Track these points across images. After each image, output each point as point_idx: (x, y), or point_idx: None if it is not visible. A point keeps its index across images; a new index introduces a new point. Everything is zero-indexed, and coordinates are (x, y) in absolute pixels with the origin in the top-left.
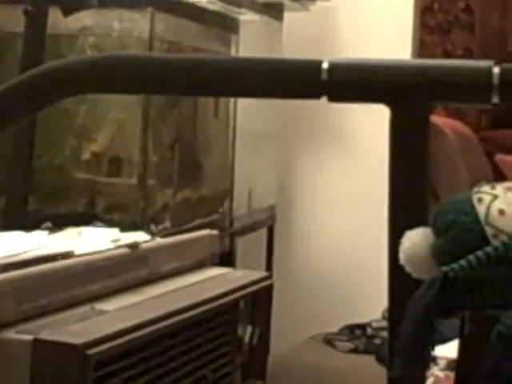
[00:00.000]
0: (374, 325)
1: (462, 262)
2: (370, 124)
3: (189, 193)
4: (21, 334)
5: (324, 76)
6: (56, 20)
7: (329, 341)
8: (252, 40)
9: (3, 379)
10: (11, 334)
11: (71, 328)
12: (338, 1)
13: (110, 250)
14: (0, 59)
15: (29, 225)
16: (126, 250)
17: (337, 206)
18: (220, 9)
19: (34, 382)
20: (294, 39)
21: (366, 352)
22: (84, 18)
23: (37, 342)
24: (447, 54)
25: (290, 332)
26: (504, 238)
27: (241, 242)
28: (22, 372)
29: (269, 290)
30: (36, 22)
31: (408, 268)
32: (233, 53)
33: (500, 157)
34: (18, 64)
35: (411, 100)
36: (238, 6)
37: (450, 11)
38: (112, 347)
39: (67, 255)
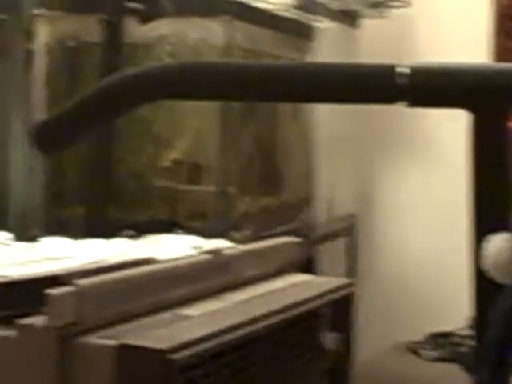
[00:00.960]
0: (459, 333)
1: None
2: (451, 129)
3: (269, 200)
4: (104, 340)
5: (401, 80)
6: (133, 29)
7: (413, 349)
8: (328, 47)
9: (88, 381)
10: (94, 340)
11: (155, 333)
12: (414, 8)
13: (191, 256)
14: (78, 68)
15: (109, 233)
16: (207, 256)
17: (418, 213)
18: (296, 16)
19: None
20: (371, 46)
21: (451, 360)
22: (161, 27)
23: (121, 347)
24: None
25: (373, 340)
26: None
27: (322, 250)
28: (106, 377)
29: (350, 297)
30: (113, 31)
31: (492, 273)
32: (309, 60)
33: None
34: (96, 73)
35: (493, 105)
36: (314, 13)
37: None
38: (196, 352)
39: (149, 261)
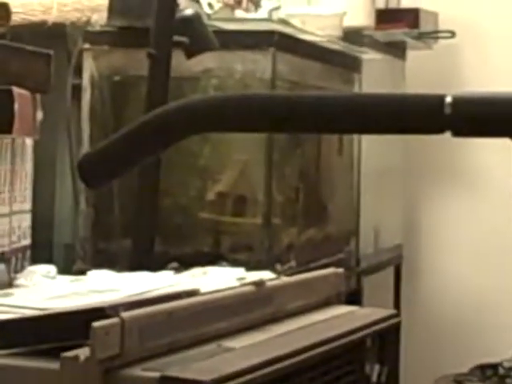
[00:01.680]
0: (506, 364)
1: None
2: (500, 159)
3: (314, 232)
4: (147, 372)
5: (447, 110)
6: (179, 62)
7: (460, 382)
8: (375, 79)
9: None
10: (138, 372)
11: (198, 365)
12: (460, 39)
13: (235, 287)
14: (124, 102)
15: (155, 266)
16: (251, 288)
17: (464, 244)
18: (342, 48)
19: None
20: (417, 78)
21: None
22: (206, 60)
23: (164, 379)
24: None
25: (419, 372)
26: None
27: (367, 281)
28: None
29: (396, 328)
30: (160, 64)
31: None
32: (355, 88)
33: None
34: (143, 107)
35: None
36: (360, 45)
37: None
38: (241, 383)
39: (193, 293)
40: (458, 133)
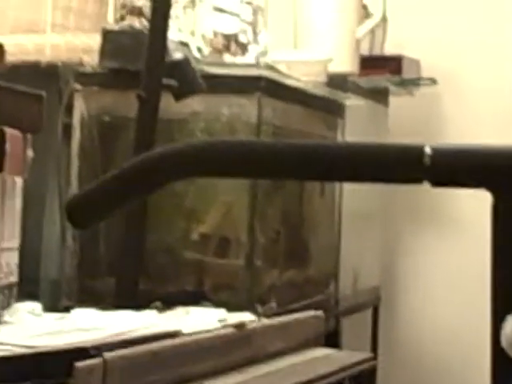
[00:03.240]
0: None
1: None
2: (474, 207)
3: (295, 274)
4: None
5: (427, 161)
6: (168, 105)
7: None
8: (358, 124)
9: None
10: None
11: None
12: (441, 86)
13: (216, 329)
14: (113, 142)
15: (139, 304)
16: (232, 330)
17: (441, 286)
18: (326, 93)
19: None
20: (400, 123)
21: None
22: (194, 104)
23: None
24: None
25: None
26: None
27: (346, 322)
28: None
29: (373, 371)
30: (148, 106)
31: (510, 352)
32: (339, 137)
33: None
34: (131, 147)
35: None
36: (343, 90)
37: None
38: None
39: (175, 334)
40: (437, 184)
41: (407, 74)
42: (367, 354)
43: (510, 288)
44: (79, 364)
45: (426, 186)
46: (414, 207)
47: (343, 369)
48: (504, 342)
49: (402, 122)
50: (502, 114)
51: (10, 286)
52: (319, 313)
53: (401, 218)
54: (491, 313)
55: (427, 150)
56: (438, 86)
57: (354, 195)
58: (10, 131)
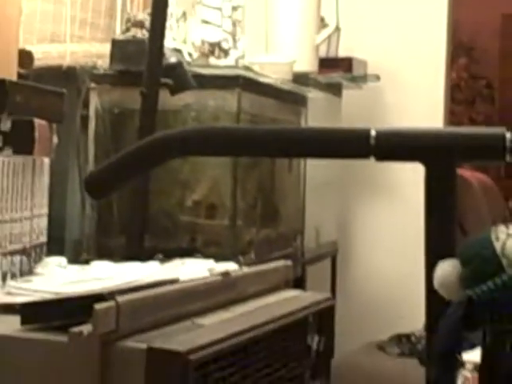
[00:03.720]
0: (417, 334)
1: (483, 287)
2: (411, 176)
3: (269, 231)
4: (137, 344)
5: (372, 141)
6: (165, 99)
7: (381, 347)
8: (317, 112)
9: (124, 379)
10: (129, 344)
11: (176, 338)
12: (384, 81)
13: (206, 276)
14: (122, 129)
15: (145, 257)
16: (219, 277)
17: (385, 241)
18: (292, 88)
19: (149, 381)
20: (351, 111)
21: (411, 355)
22: (186, 97)
23: (149, 350)
24: (472, 121)
25: (349, 340)
26: None
27: (310, 270)
28: (138, 375)
29: (331, 308)
30: (149, 100)
31: (440, 291)
32: (302, 122)
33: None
34: (136, 132)
35: (441, 160)
36: (306, 85)
37: (474, 87)
38: (208, 353)
39: (173, 281)
40: (380, 159)
41: (356, 71)
42: (327, 295)
43: (440, 241)
44: (97, 306)
45: (372, 160)
46: (364, 177)
47: (307, 307)
48: (436, 284)
49: (353, 111)
50: (431, 103)
51: (40, 245)
52: (288, 262)
53: (354, 187)
54: (425, 261)
55: (372, 132)
56: (381, 82)
57: (315, 169)
58: (38, 121)
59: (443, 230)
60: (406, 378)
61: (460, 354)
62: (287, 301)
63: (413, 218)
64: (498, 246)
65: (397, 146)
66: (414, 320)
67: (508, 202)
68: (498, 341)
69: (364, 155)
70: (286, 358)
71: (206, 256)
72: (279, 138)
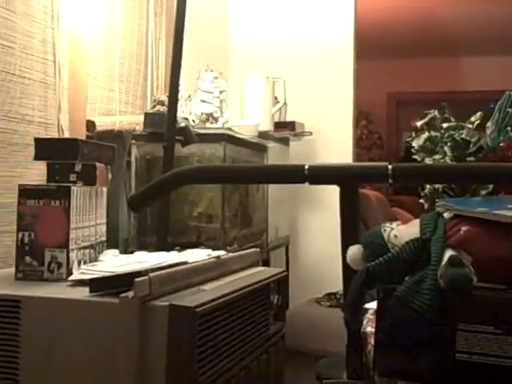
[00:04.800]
0: (340, 292)
1: (377, 261)
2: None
3: (246, 231)
4: (163, 302)
5: (306, 172)
6: (178, 150)
7: (317, 301)
8: (274, 156)
9: (155, 326)
10: (158, 303)
11: (187, 298)
12: (315, 135)
13: (206, 259)
14: (152, 169)
15: (168, 249)
16: (214, 260)
17: (320, 234)
18: (258, 141)
19: (170, 326)
20: (295, 155)
21: (337, 306)
22: (192, 148)
23: (171, 306)
24: (370, 160)
25: (298, 297)
26: (397, 249)
27: (272, 255)
28: (164, 323)
29: (286, 277)
30: (168, 151)
31: (351, 265)
32: (265, 162)
33: (394, 209)
34: (161, 171)
35: (349, 183)
36: (266, 139)
37: (371, 139)
38: (209, 307)
39: (185, 262)
40: (312, 183)
41: (297, 130)
42: (283, 269)
43: (350, 234)
44: (137, 279)
45: (307, 184)
46: (307, 195)
47: (271, 276)
48: (348, 260)
49: (295, 154)
50: (344, 149)
51: (102, 242)
52: (258, 250)
53: (300, 201)
54: (341, 246)
55: (306, 166)
56: (312, 136)
57: (275, 190)
58: (98, 165)
59: (351, 227)
60: (332, 321)
61: (364, 303)
62: (258, 273)
63: (336, 220)
64: (385, 235)
65: (321, 174)
66: (338, 283)
67: (392, 208)
68: (386, 295)
69: (301, 181)
70: (258, 310)
71: (207, 247)
72: (249, 171)
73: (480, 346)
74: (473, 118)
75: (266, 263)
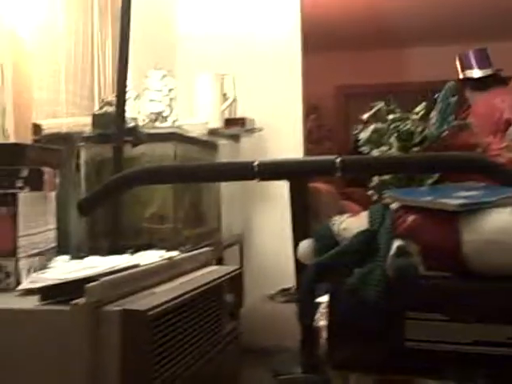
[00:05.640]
0: (293, 288)
1: (327, 254)
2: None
3: (199, 230)
4: (115, 307)
5: (256, 168)
6: (128, 150)
7: (272, 297)
8: (225, 153)
9: (107, 332)
10: (110, 308)
11: (139, 302)
12: (266, 131)
13: (158, 261)
14: (102, 171)
15: (120, 252)
16: (167, 261)
17: (272, 231)
18: (208, 138)
19: (123, 331)
20: (246, 151)
21: (291, 302)
22: (141, 148)
23: (123, 311)
24: (320, 154)
25: (253, 294)
26: (346, 242)
27: (226, 252)
28: (116, 328)
29: (240, 274)
30: (118, 151)
31: (302, 259)
32: (216, 159)
33: (343, 202)
34: (111, 172)
35: (298, 178)
36: (216, 136)
37: (321, 132)
38: (161, 310)
39: (138, 266)
40: (262, 179)
41: (248, 126)
42: (237, 267)
43: (300, 232)
44: (88, 286)
45: (256, 181)
46: (259, 192)
47: (224, 275)
48: (299, 255)
49: (246, 151)
50: (295, 143)
51: (52, 248)
52: (211, 249)
53: (252, 198)
54: (293, 241)
55: (255, 163)
56: (263, 132)
57: (227, 187)
58: (45, 169)
59: (302, 222)
60: (288, 316)
61: (316, 297)
62: (211, 273)
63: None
64: (335, 228)
65: (270, 171)
66: (293, 278)
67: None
68: (337, 287)
69: (251, 178)
70: (213, 308)
71: (160, 248)
72: (199, 170)
73: (428, 333)
74: (417, 109)
75: (220, 262)
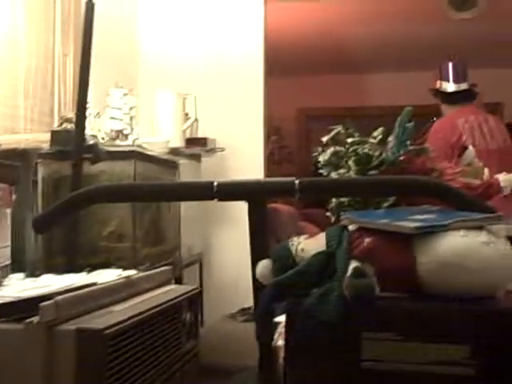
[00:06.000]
0: (252, 307)
1: (285, 275)
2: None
3: (158, 249)
4: (70, 326)
5: (215, 189)
6: (87, 167)
7: (232, 316)
8: (185, 172)
9: (62, 351)
10: (65, 327)
11: (96, 321)
12: (227, 151)
13: (116, 280)
14: (59, 188)
15: (77, 270)
16: (124, 280)
17: (232, 251)
18: (168, 158)
19: (78, 350)
20: (207, 171)
21: (251, 321)
22: (101, 166)
23: (78, 330)
24: (281, 175)
25: (212, 314)
26: (304, 263)
27: (186, 271)
28: (71, 347)
29: (199, 294)
30: (77, 168)
31: (260, 279)
32: (176, 179)
33: (301, 223)
34: (69, 190)
35: (257, 199)
36: (177, 155)
37: (282, 154)
38: (118, 328)
39: (95, 284)
40: (220, 200)
41: (209, 146)
42: (196, 286)
43: (258, 249)
44: (42, 304)
45: (215, 201)
46: (219, 213)
47: (182, 294)
48: (257, 275)
49: (207, 171)
50: (256, 165)
51: (6, 266)
52: (170, 267)
53: (212, 219)
54: (251, 261)
55: (215, 183)
56: (225, 152)
57: (186, 206)
58: (1, 185)
59: (260, 242)
60: (247, 335)
61: (274, 317)
62: (169, 292)
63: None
64: (293, 249)
65: (229, 191)
66: (251, 298)
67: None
68: (295, 308)
69: (210, 198)
70: (170, 328)
71: (117, 267)
72: (158, 189)
73: (383, 353)
74: (375, 133)
75: (179, 281)
